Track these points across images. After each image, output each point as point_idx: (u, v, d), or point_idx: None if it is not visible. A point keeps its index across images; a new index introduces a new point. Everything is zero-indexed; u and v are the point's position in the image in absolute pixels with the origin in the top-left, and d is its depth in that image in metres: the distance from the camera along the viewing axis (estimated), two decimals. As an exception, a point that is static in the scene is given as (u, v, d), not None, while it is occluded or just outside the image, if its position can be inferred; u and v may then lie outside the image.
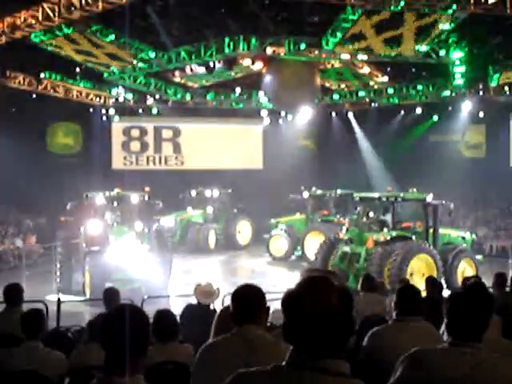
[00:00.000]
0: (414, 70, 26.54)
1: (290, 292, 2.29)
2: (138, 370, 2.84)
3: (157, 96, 31.23)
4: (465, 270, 17.75)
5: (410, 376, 3.08)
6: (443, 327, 4.25)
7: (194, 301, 8.12)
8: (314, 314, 2.19)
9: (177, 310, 7.32)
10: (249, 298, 3.58)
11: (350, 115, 34.50)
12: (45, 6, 18.03)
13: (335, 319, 2.20)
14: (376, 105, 32.26)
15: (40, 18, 18.33)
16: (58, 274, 18.44)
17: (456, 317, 3.15)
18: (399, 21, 19.59)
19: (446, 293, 10.35)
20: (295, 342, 2.26)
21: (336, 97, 31.60)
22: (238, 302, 3.60)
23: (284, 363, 2.28)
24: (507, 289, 9.25)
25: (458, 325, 3.13)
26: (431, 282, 9.48)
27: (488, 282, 9.63)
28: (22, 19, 18.84)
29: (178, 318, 6.05)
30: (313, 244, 22.68)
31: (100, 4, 17.05)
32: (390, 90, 29.46)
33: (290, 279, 20.03)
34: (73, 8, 17.51)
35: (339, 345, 2.24)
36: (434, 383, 3.03)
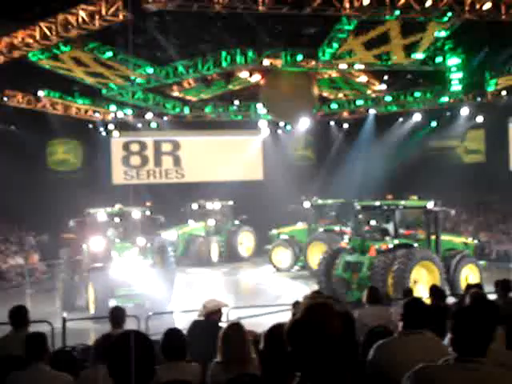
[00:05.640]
0: (411, 77, 26.60)
1: (293, 321, 2.32)
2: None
3: (155, 110, 31.26)
4: (468, 275, 17.73)
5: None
6: (448, 338, 4.28)
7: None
8: (318, 341, 2.22)
9: (181, 324, 7.32)
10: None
11: (349, 124, 34.56)
12: (42, 25, 18.14)
13: (339, 344, 2.23)
14: (374, 113, 32.33)
15: (37, 37, 18.43)
16: (62, 291, 18.48)
17: (460, 333, 3.19)
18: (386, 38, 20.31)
19: (450, 300, 10.38)
20: (301, 369, 2.28)
21: (334, 106, 31.65)
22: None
23: None
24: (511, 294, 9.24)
25: (463, 341, 3.16)
26: (435, 291, 9.50)
27: (491, 287, 9.68)
28: (20, 39, 18.93)
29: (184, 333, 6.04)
30: (315, 254, 22.64)
31: (97, 22, 17.15)
32: (388, 98, 29.55)
33: (294, 290, 20.02)
34: (70, 26, 17.62)
35: (344, 369, 2.26)
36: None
